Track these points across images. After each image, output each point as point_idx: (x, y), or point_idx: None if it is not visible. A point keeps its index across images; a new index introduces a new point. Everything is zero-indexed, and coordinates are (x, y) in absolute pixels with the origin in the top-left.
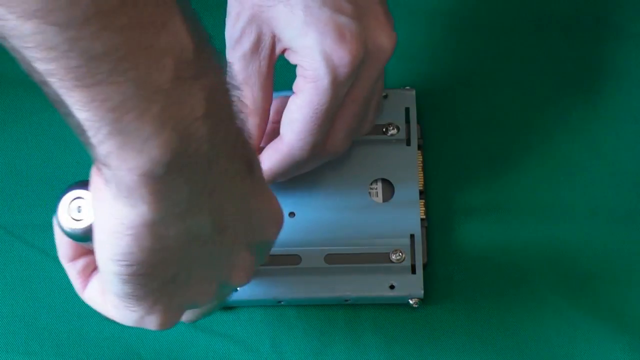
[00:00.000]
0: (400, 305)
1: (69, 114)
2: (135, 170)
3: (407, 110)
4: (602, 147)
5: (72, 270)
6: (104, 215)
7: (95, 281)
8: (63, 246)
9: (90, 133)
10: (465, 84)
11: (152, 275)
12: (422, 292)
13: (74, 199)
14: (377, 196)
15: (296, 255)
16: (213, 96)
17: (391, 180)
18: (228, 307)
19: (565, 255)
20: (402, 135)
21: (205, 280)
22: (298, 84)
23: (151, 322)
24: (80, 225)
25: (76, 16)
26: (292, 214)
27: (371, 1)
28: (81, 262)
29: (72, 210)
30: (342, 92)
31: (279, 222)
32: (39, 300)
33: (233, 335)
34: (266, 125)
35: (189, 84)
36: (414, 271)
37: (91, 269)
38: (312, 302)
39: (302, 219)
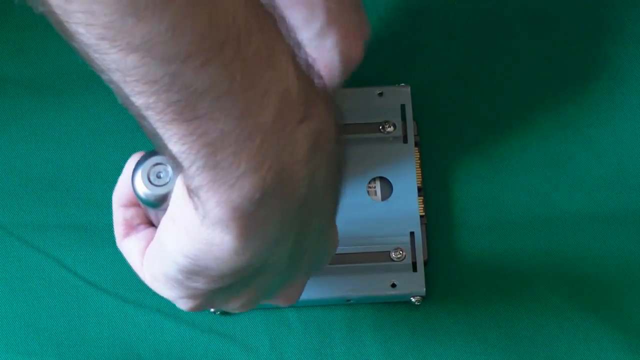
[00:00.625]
0: (399, 304)
1: (164, 147)
2: (224, 204)
3: (402, 107)
4: (602, 147)
5: (120, 215)
6: (190, 232)
7: (136, 238)
8: (120, 191)
9: (185, 165)
10: (461, 81)
11: (211, 285)
12: (424, 289)
13: (155, 164)
14: (376, 195)
15: None
16: (317, 141)
17: (389, 178)
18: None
19: (565, 254)
20: (399, 132)
21: (253, 295)
22: None
23: (182, 305)
24: (160, 192)
25: (180, 50)
26: None
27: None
28: (131, 211)
29: (152, 175)
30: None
31: (335, 248)
32: (38, 300)
33: (232, 335)
34: None
35: (292, 125)
36: (415, 269)
37: (137, 221)
38: (314, 303)
39: None
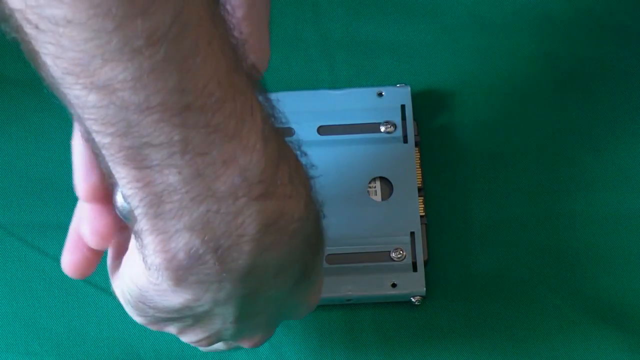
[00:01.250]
0: (399, 304)
1: (115, 184)
2: (160, 253)
3: (402, 107)
4: (602, 147)
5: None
6: (140, 264)
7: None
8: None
9: (132, 205)
10: (461, 81)
11: (160, 315)
12: (424, 289)
13: None
14: (376, 195)
15: None
16: (275, 221)
17: (389, 179)
18: None
19: (565, 254)
20: (399, 132)
21: (209, 335)
22: None
23: (141, 322)
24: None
25: (140, 101)
26: None
27: None
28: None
29: None
30: None
31: (313, 308)
32: (38, 300)
33: None
34: None
35: (245, 200)
36: (415, 269)
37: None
38: None
39: None
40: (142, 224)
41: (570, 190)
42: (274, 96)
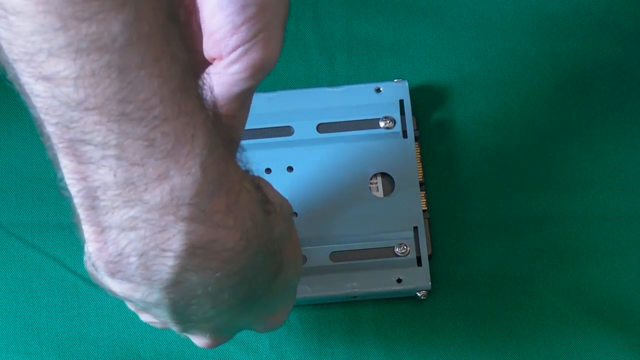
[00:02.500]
0: (400, 302)
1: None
2: (93, 243)
3: (401, 102)
4: (602, 147)
5: None
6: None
7: None
8: None
9: (71, 193)
10: (460, 79)
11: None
12: (430, 283)
13: None
14: (378, 191)
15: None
16: (201, 246)
17: (391, 174)
18: None
19: (565, 254)
20: (399, 128)
21: (160, 322)
22: None
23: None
24: None
25: (80, 100)
26: (294, 214)
27: None
28: None
29: None
30: None
31: (277, 326)
32: (38, 300)
33: None
34: None
35: (171, 219)
36: (419, 263)
37: None
38: (320, 301)
39: (305, 219)
40: (79, 212)
41: (570, 189)
42: (273, 95)
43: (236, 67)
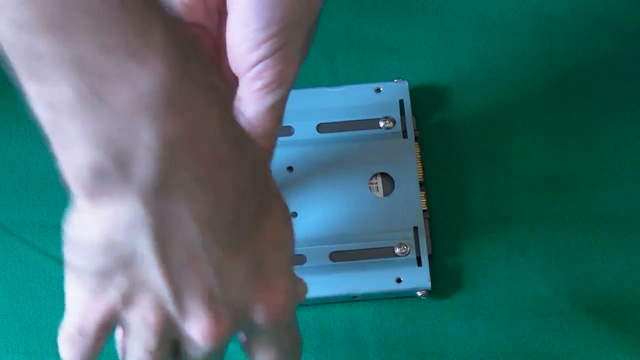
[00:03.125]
0: (400, 302)
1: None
2: (63, 163)
3: (401, 102)
4: (602, 146)
5: None
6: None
7: None
8: None
9: (41, 121)
10: (459, 79)
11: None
12: (429, 283)
13: None
14: (378, 191)
15: (301, 255)
16: (181, 140)
17: (391, 174)
18: None
19: (565, 253)
20: (398, 128)
21: (154, 308)
22: None
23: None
24: None
25: (22, 17)
26: (294, 214)
27: None
28: None
29: None
30: None
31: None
32: (39, 300)
33: (232, 335)
34: None
35: (145, 120)
36: (419, 263)
37: None
38: (319, 301)
39: (305, 218)
40: (51, 140)
41: (570, 189)
42: None
43: (259, 84)
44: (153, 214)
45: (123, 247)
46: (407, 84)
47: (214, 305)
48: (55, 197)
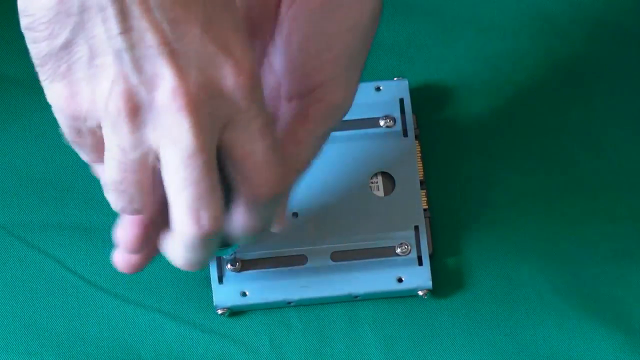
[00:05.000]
0: (400, 302)
1: None
2: None
3: (401, 101)
4: (602, 146)
5: None
6: None
7: None
8: None
9: None
10: (460, 78)
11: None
12: (431, 283)
13: None
14: (379, 190)
15: (302, 255)
16: None
17: (391, 173)
18: (237, 313)
19: (565, 253)
20: (399, 126)
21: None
22: None
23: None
24: None
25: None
26: (295, 214)
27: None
28: None
29: None
30: None
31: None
32: (38, 300)
33: (233, 335)
34: None
35: None
36: (420, 263)
37: None
38: (321, 301)
39: (306, 218)
40: None
41: (570, 189)
42: None
43: (297, 116)
44: None
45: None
46: (407, 82)
47: (175, 60)
48: (55, 197)
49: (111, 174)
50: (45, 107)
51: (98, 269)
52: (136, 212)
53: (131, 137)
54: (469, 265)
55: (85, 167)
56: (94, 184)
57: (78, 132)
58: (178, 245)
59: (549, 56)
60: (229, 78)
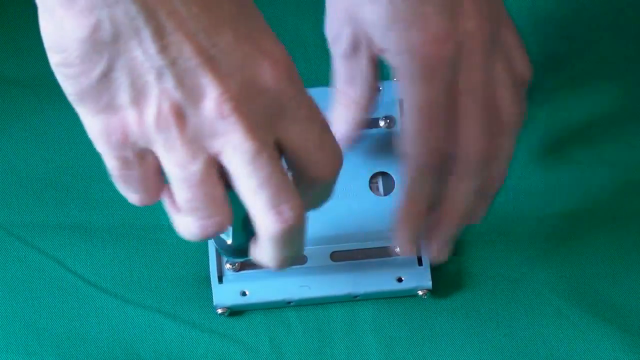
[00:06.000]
0: (400, 302)
1: None
2: None
3: (400, 101)
4: (603, 147)
5: None
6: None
7: None
8: None
9: None
10: None
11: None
12: (430, 283)
13: None
14: (379, 190)
15: (302, 255)
16: None
17: (391, 173)
18: (237, 312)
19: (565, 254)
20: (399, 127)
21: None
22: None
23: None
24: None
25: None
26: None
27: None
28: None
29: None
30: (440, 85)
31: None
32: (38, 300)
33: (233, 335)
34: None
35: None
36: (420, 263)
37: None
38: (321, 301)
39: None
40: None
41: (570, 189)
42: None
43: None
44: None
45: (108, 35)
46: None
47: (214, 68)
48: (55, 197)
49: (179, 194)
50: (45, 108)
51: (98, 269)
52: (220, 224)
53: (186, 150)
54: (468, 265)
55: (85, 167)
56: (94, 184)
57: (126, 162)
58: (269, 248)
59: (549, 56)
60: (268, 73)
